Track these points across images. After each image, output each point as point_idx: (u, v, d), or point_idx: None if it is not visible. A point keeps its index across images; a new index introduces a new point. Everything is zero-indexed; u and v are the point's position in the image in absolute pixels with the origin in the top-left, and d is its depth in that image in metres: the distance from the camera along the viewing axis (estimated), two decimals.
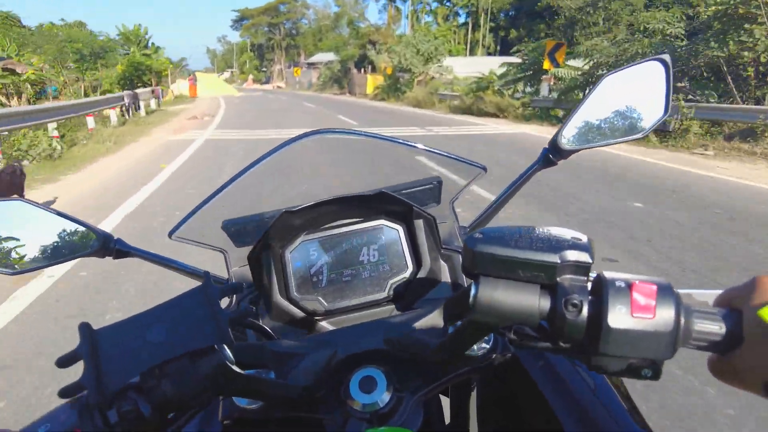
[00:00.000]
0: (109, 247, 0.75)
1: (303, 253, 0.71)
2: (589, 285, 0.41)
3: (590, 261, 0.40)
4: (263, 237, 0.67)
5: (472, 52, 48.71)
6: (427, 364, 0.53)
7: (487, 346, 0.56)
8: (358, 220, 0.73)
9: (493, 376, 0.73)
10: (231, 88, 43.94)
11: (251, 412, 0.53)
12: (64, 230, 0.75)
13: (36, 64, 15.68)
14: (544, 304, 0.40)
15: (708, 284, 3.01)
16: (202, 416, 0.60)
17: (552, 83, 14.99)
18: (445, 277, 0.76)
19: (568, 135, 0.78)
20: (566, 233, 0.42)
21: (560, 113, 13.48)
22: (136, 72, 24.74)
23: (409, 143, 0.84)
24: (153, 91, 19.58)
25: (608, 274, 0.40)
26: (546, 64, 14.55)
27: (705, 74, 11.06)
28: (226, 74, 77.43)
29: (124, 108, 13.88)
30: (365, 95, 32.94)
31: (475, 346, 0.55)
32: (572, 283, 0.40)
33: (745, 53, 9.53)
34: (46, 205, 0.75)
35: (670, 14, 12.69)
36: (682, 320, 0.38)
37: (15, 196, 2.46)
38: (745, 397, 1.85)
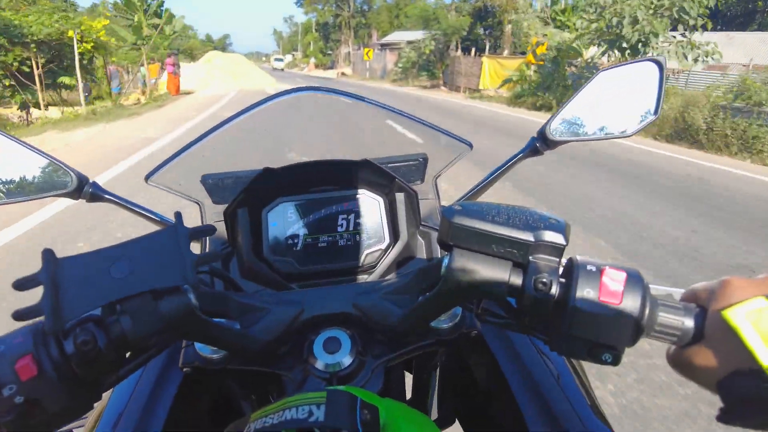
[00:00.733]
0: (83, 189, 0.74)
1: (281, 214, 0.71)
2: (561, 268, 0.41)
3: (564, 243, 0.40)
4: (241, 193, 0.67)
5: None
6: (392, 333, 0.54)
7: (454, 322, 0.56)
8: (339, 187, 0.73)
9: (457, 355, 0.74)
10: (265, 76, 27.03)
11: (212, 362, 0.52)
12: (39, 167, 0.73)
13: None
14: (515, 280, 0.41)
15: None
16: (164, 362, 0.60)
17: None
18: (421, 253, 0.76)
19: (557, 126, 0.78)
20: (544, 214, 0.42)
21: None
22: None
23: (403, 112, 0.82)
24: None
25: (581, 258, 0.41)
26: None
27: None
28: (288, 57, 69.27)
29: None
30: (476, 91, 19.70)
31: (442, 319, 0.55)
32: (544, 263, 0.40)
33: None
34: (23, 141, 0.72)
35: None
36: (647, 310, 0.38)
37: None
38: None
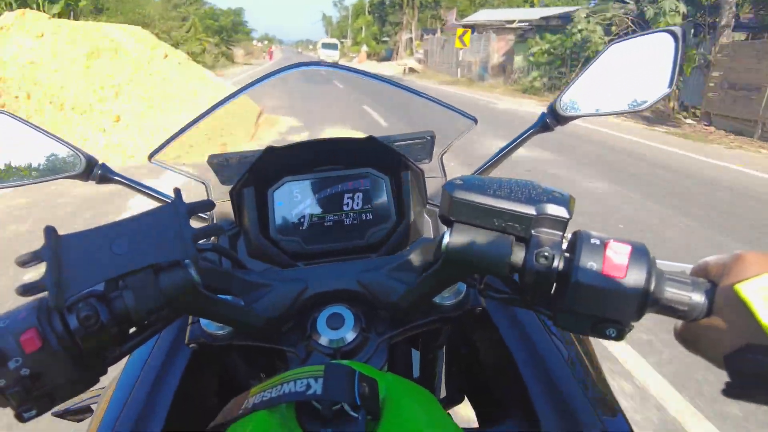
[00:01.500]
0: (93, 171, 0.75)
1: (286, 193, 0.71)
2: (566, 243, 0.41)
3: (567, 216, 0.39)
4: (247, 172, 0.67)
5: None
6: (395, 310, 0.53)
7: (458, 299, 0.56)
8: (345, 166, 0.72)
9: (463, 333, 0.73)
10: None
11: (218, 338, 0.53)
12: (48, 149, 0.74)
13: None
14: (517, 255, 0.40)
15: None
16: (172, 339, 0.61)
17: None
18: (428, 232, 0.75)
19: (567, 101, 0.76)
20: (548, 188, 0.41)
21: None
22: None
23: (406, 87, 0.81)
24: None
25: (585, 232, 0.40)
26: None
27: None
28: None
29: None
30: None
31: (446, 296, 0.55)
32: (546, 237, 0.40)
33: None
34: (33, 124, 0.73)
35: None
36: (653, 284, 0.37)
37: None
38: None
